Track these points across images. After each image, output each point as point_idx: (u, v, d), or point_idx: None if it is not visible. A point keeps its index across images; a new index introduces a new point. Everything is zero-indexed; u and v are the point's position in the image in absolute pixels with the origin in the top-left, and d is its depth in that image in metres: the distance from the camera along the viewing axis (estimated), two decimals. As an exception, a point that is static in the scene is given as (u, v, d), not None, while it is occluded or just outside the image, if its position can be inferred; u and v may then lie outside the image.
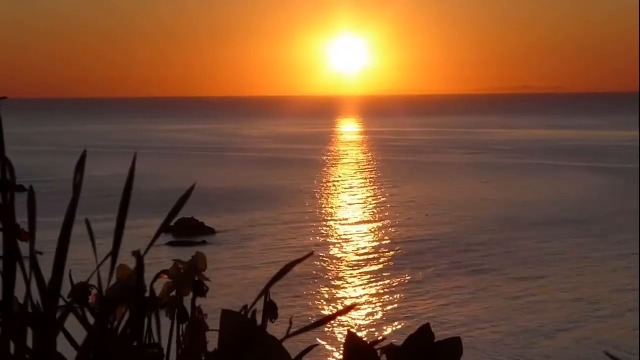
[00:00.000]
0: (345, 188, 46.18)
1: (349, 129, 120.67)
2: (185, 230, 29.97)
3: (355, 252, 28.27)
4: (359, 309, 21.07)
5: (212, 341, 2.07)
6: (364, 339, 2.21)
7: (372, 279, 24.54)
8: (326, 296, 22.36)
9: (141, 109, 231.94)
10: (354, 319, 20.03)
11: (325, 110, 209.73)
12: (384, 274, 25.08)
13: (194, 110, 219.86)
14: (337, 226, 33.19)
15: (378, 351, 2.22)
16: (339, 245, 29.19)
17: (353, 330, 2.30)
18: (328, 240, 30.11)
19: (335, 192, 44.25)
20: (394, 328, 19.65)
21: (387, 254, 27.97)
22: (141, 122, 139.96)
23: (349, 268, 25.84)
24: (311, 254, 1.81)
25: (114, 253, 1.72)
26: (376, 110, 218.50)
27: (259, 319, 2.07)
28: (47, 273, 1.70)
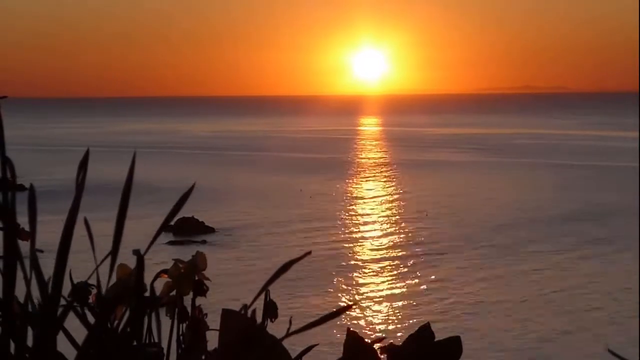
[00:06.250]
0: (345, 188, 46.19)
1: (354, 127, 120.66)
2: (185, 229, 29.96)
3: (354, 251, 28.27)
4: (358, 307, 21.07)
5: (212, 340, 2.07)
6: (365, 338, 2.21)
7: (371, 279, 24.55)
8: (325, 296, 22.36)
9: (177, 108, 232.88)
10: (355, 319, 20.04)
11: (338, 109, 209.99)
12: (383, 274, 25.09)
13: (219, 109, 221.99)
14: (337, 226, 33.19)
15: (378, 350, 2.22)
16: (338, 245, 29.19)
17: (353, 329, 2.30)
18: (328, 239, 30.10)
19: (335, 192, 44.24)
20: (394, 327, 19.65)
21: (387, 254, 27.98)
22: (173, 122, 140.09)
23: (347, 267, 25.84)
24: (309, 253, 1.81)
25: (113, 252, 1.72)
26: (378, 110, 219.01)
27: (259, 318, 2.07)
28: (47, 272, 1.70)
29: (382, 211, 37.33)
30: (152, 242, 1.75)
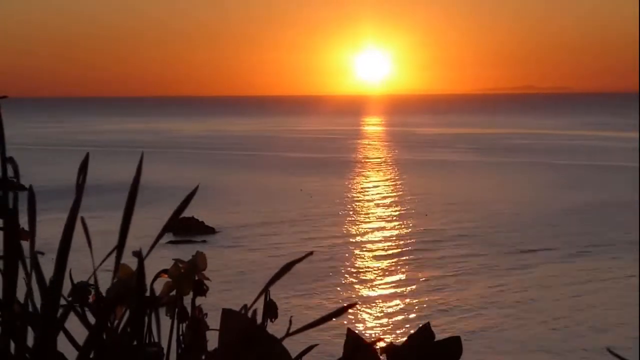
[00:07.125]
0: (345, 187, 46.18)
1: (356, 127, 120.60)
2: (185, 229, 29.95)
3: (354, 251, 28.27)
4: (358, 307, 21.07)
5: (213, 340, 2.07)
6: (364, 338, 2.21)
7: (371, 278, 24.55)
8: (325, 296, 22.36)
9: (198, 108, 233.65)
10: (355, 319, 20.04)
11: (340, 109, 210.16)
12: (383, 274, 25.10)
13: (220, 109, 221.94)
14: (337, 225, 33.19)
15: (378, 350, 2.22)
16: (338, 245, 29.19)
17: (353, 329, 2.31)
18: (328, 240, 30.10)
19: (336, 191, 44.23)
20: (394, 327, 19.66)
21: (387, 253, 27.98)
22: (173, 122, 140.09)
23: (347, 267, 25.84)
24: (311, 253, 1.81)
25: (118, 252, 1.73)
26: (381, 110, 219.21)
27: (259, 319, 2.07)
28: (47, 273, 1.71)
29: (383, 211, 37.32)
30: (154, 243, 1.75)
